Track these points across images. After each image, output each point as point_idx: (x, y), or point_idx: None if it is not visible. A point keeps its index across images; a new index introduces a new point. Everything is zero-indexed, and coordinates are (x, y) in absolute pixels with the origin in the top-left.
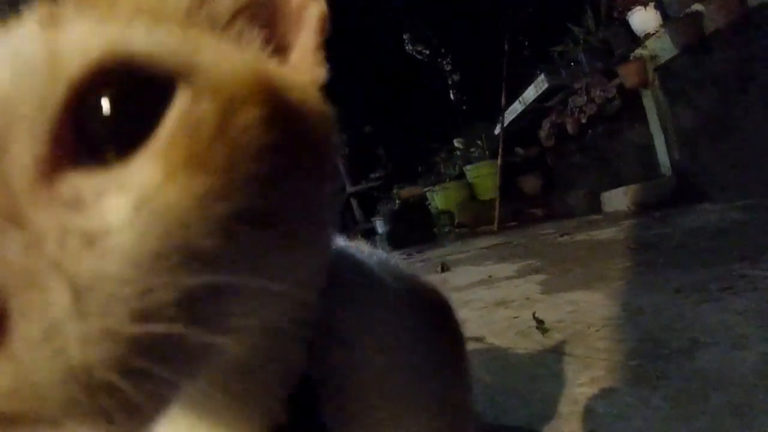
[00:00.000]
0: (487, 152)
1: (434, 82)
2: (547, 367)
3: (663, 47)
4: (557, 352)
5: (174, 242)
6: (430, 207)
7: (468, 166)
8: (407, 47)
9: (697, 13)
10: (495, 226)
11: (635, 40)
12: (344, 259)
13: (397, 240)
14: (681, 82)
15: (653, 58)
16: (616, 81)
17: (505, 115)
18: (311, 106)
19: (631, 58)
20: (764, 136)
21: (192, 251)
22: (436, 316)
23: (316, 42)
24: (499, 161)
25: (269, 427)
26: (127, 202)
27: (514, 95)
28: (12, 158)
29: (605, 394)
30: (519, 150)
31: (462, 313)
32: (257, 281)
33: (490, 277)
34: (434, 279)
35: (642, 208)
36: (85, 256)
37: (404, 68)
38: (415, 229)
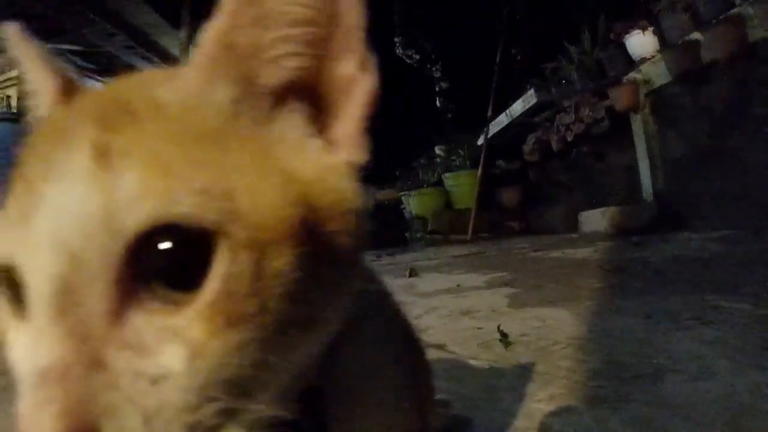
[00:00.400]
0: (468, 162)
1: (421, 87)
2: (506, 380)
3: (657, 73)
4: (518, 366)
5: (216, 378)
6: (404, 211)
7: (447, 174)
8: (398, 50)
9: (696, 42)
10: (469, 236)
11: (630, 63)
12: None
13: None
14: (672, 109)
15: (646, 82)
16: (607, 102)
17: (491, 126)
18: (345, 204)
19: (624, 80)
20: (750, 169)
21: (228, 381)
22: (412, 352)
23: (360, 121)
24: (479, 171)
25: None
26: (182, 353)
27: (501, 107)
28: (87, 309)
29: (563, 411)
30: (501, 162)
31: (426, 320)
32: (282, 374)
33: (458, 286)
34: (401, 283)
35: (620, 231)
36: (151, 392)
37: (392, 71)
38: (387, 231)
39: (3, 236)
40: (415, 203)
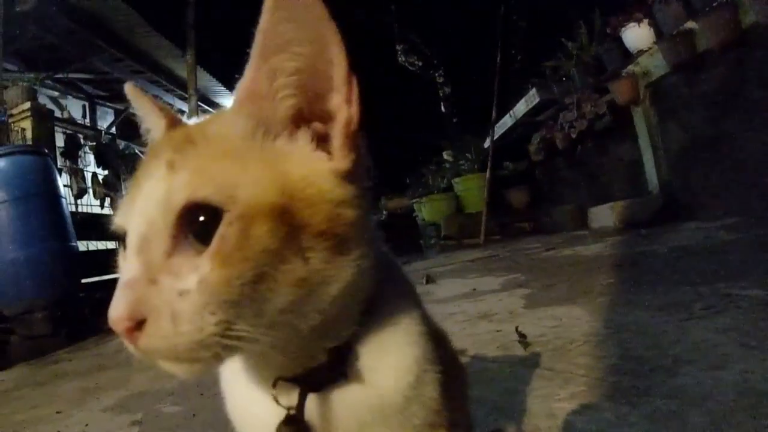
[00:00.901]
0: (476, 165)
1: (425, 93)
2: (527, 381)
3: (655, 64)
4: (538, 366)
5: (215, 297)
6: (417, 219)
7: (456, 179)
8: (400, 58)
9: (690, 31)
10: (481, 240)
11: (628, 56)
12: (396, 290)
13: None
14: (672, 100)
15: (645, 74)
16: (607, 97)
17: (496, 128)
18: (324, 196)
19: (623, 74)
20: (753, 155)
21: (224, 299)
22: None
23: (345, 139)
24: (487, 174)
25: (310, 366)
26: (196, 279)
27: (505, 109)
28: (153, 250)
29: (584, 409)
30: (508, 164)
31: (445, 326)
32: (272, 313)
33: (474, 290)
34: (418, 291)
35: (628, 225)
36: (178, 300)
37: (395, 79)
38: (401, 240)
39: (121, 211)
40: (426, 210)
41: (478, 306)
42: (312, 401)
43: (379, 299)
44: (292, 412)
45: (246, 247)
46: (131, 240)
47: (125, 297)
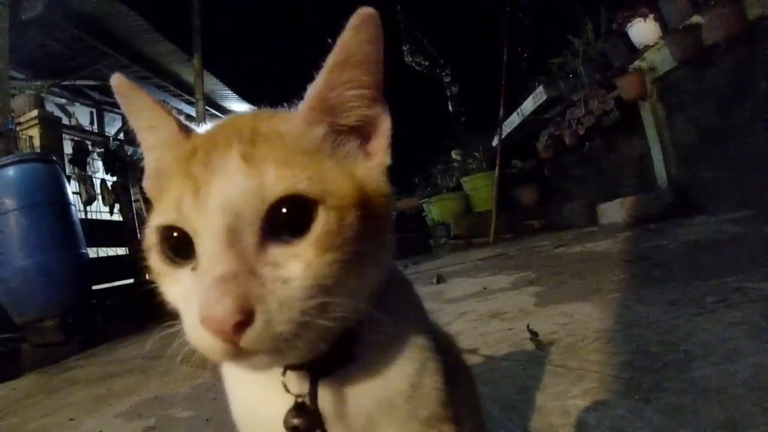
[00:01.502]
0: (484, 164)
1: (433, 93)
2: (539, 379)
3: (662, 59)
4: (550, 364)
5: (317, 282)
6: (426, 218)
7: (465, 178)
8: (406, 58)
9: (696, 26)
10: (491, 238)
11: (634, 52)
12: (401, 290)
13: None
14: (679, 95)
15: (652, 70)
16: (615, 93)
17: (503, 126)
18: (380, 190)
19: (630, 70)
20: (761, 148)
21: (325, 283)
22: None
23: (387, 141)
24: (496, 173)
25: (320, 352)
26: (300, 266)
27: (512, 107)
28: (245, 243)
29: (598, 406)
30: (516, 162)
31: (456, 325)
32: (349, 292)
33: (484, 288)
34: (429, 291)
35: (637, 220)
36: (283, 288)
37: (402, 79)
38: (411, 240)
39: (177, 209)
40: (436, 210)
41: (489, 305)
42: (320, 389)
43: (385, 294)
44: (300, 400)
45: (342, 233)
46: (214, 234)
47: (230, 292)
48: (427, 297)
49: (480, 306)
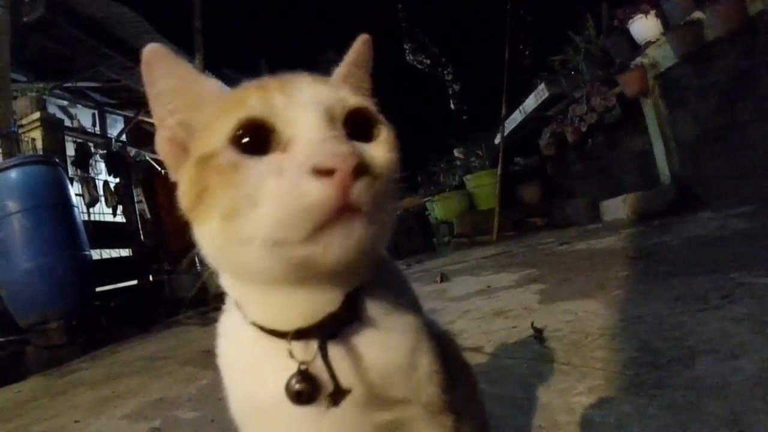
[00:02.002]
0: (487, 162)
1: (434, 92)
2: (544, 376)
3: (663, 55)
4: (555, 361)
5: (392, 174)
6: (429, 217)
7: (468, 176)
8: (408, 57)
9: (698, 21)
10: (494, 236)
11: (636, 48)
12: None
13: (396, 250)
14: (681, 91)
15: (653, 66)
16: (617, 90)
17: (506, 124)
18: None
19: (632, 66)
20: (764, 143)
21: (394, 178)
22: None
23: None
24: (499, 170)
25: (326, 313)
26: (381, 153)
27: (514, 104)
28: (337, 128)
29: (602, 403)
30: (519, 159)
31: (460, 324)
32: (387, 222)
33: (488, 286)
34: (433, 289)
35: (641, 217)
36: (374, 162)
37: (404, 78)
38: (414, 239)
39: (261, 102)
40: (439, 208)
41: (493, 303)
42: (317, 354)
43: (380, 271)
44: (303, 366)
45: (395, 149)
46: (313, 113)
47: (345, 143)
48: (431, 295)
49: (484, 304)
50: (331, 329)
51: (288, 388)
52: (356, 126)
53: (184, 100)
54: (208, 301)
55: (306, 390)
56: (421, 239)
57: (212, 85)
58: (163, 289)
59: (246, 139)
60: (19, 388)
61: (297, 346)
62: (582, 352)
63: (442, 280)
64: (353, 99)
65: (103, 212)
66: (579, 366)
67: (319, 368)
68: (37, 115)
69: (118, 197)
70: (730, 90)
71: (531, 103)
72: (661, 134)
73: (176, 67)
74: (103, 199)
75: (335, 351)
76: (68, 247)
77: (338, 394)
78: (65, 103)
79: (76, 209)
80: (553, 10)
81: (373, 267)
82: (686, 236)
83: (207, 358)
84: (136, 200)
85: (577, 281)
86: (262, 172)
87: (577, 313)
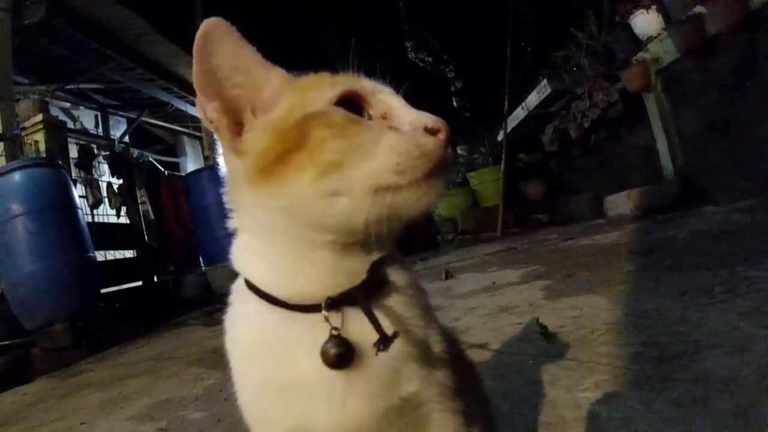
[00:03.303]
0: (490, 158)
1: (437, 89)
2: (550, 372)
3: (665, 50)
4: (561, 357)
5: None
6: (433, 215)
7: (471, 173)
8: (409, 55)
9: (699, 16)
10: (498, 233)
11: (637, 44)
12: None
13: (400, 248)
14: (683, 85)
15: (655, 61)
16: (619, 85)
17: (508, 120)
18: None
19: (634, 61)
20: (763, 136)
21: None
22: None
23: None
24: (502, 167)
25: (356, 282)
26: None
27: (517, 101)
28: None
29: (609, 398)
30: (522, 155)
31: (466, 321)
32: None
33: (493, 283)
34: (438, 287)
35: (645, 212)
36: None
37: (406, 76)
38: (418, 237)
39: (355, 82)
40: (442, 205)
41: (498, 299)
42: (350, 319)
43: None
44: (336, 332)
45: None
46: (399, 99)
47: (445, 125)
48: (436, 293)
49: (489, 301)
50: (361, 295)
51: (324, 354)
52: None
53: (246, 77)
54: (212, 301)
55: (342, 352)
56: (425, 237)
57: (278, 70)
58: (168, 289)
59: (348, 104)
60: (25, 391)
61: (334, 316)
62: (588, 347)
63: (446, 278)
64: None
65: (107, 214)
66: (585, 361)
67: (350, 333)
68: (39, 117)
69: (121, 198)
70: (732, 84)
71: (533, 99)
72: (664, 129)
73: (239, 47)
74: (106, 200)
75: (357, 320)
76: (72, 249)
77: (385, 341)
78: (68, 105)
79: (79, 211)
80: (555, 6)
81: (394, 241)
82: (690, 231)
83: (213, 358)
84: (139, 201)
85: (581, 277)
86: (377, 128)
87: (583, 308)
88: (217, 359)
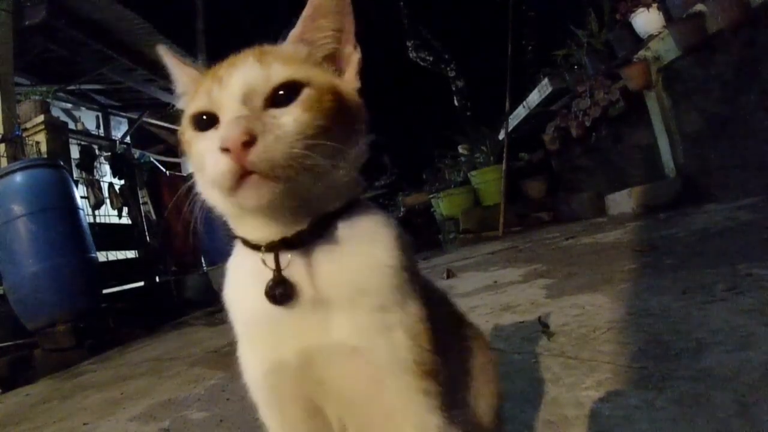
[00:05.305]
0: (491, 157)
1: (438, 88)
2: (553, 371)
3: (666, 48)
4: (563, 355)
5: (302, 130)
6: (435, 214)
7: (473, 172)
8: (411, 54)
9: (700, 14)
10: (500, 232)
11: (638, 42)
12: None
13: None
14: (684, 84)
15: (656, 59)
16: (620, 83)
17: (510, 119)
18: (351, 98)
19: (635, 60)
20: (765, 134)
21: (306, 134)
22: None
23: (356, 70)
24: (503, 166)
25: (297, 230)
26: (291, 117)
27: (518, 100)
28: (254, 102)
29: (611, 396)
30: (524, 154)
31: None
32: (326, 155)
33: (495, 282)
34: (440, 285)
35: (647, 210)
36: (278, 128)
37: (408, 75)
38: (420, 236)
39: (207, 95)
40: (444, 204)
41: (500, 298)
42: (295, 263)
43: (362, 205)
44: (275, 272)
45: (320, 104)
46: (232, 98)
47: (240, 122)
48: None
49: (491, 300)
50: (298, 243)
51: (266, 292)
52: (285, 91)
53: (188, 82)
54: (214, 302)
55: (281, 290)
56: (427, 236)
57: (197, 70)
58: (170, 290)
59: (203, 118)
60: (27, 391)
61: (269, 258)
62: (590, 346)
63: (448, 276)
64: (278, 75)
65: (108, 214)
66: (587, 360)
67: (293, 275)
68: (41, 118)
69: (123, 199)
70: (733, 82)
71: (535, 98)
72: (665, 127)
73: (180, 66)
74: (108, 201)
75: (299, 260)
76: (74, 250)
77: (279, 283)
78: (69, 105)
79: (81, 212)
80: (555, 5)
81: (337, 199)
82: (692, 229)
83: (215, 359)
84: (141, 202)
85: (583, 275)
86: (206, 146)
87: (585, 307)
88: (220, 359)
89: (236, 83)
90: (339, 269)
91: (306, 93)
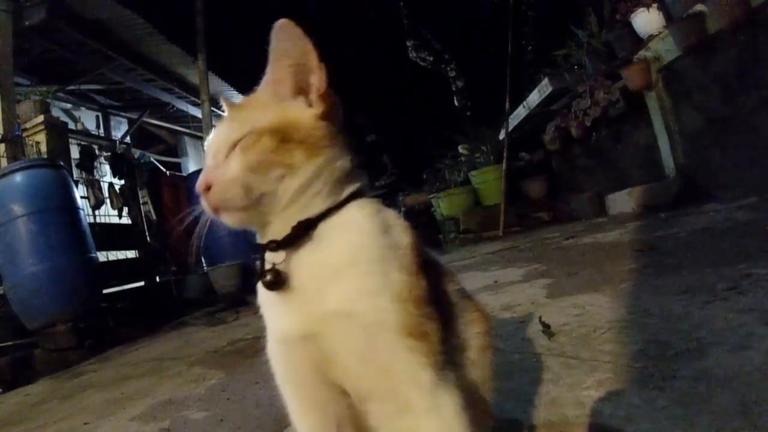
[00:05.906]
0: (492, 157)
1: (438, 88)
2: (553, 371)
3: (666, 49)
4: (563, 355)
5: (244, 170)
6: (435, 214)
7: (473, 172)
8: (410, 54)
9: (700, 14)
10: (500, 232)
11: (638, 42)
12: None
13: None
14: (685, 84)
15: (657, 59)
16: (620, 83)
17: (510, 119)
18: (305, 124)
19: (635, 60)
20: (765, 133)
21: (248, 172)
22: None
23: (317, 95)
24: (504, 166)
25: (287, 233)
26: (233, 162)
27: (518, 100)
28: (219, 156)
29: (612, 396)
30: (524, 154)
31: None
32: (275, 180)
33: (496, 282)
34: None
35: (647, 210)
36: (225, 172)
37: (408, 76)
38: (420, 236)
39: (208, 143)
40: (444, 204)
41: (501, 298)
42: (289, 258)
43: (359, 203)
44: (271, 265)
45: (256, 146)
46: (208, 154)
47: (204, 176)
48: None
49: (491, 299)
50: (288, 244)
51: (262, 279)
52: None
53: None
54: (214, 302)
55: (273, 279)
56: (427, 236)
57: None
58: (170, 290)
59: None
60: (27, 392)
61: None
62: (590, 345)
63: None
64: (236, 132)
65: (108, 214)
66: (588, 360)
67: (285, 266)
68: (41, 118)
69: (123, 199)
70: (733, 82)
71: (535, 98)
72: (665, 127)
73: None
74: (108, 201)
75: (291, 255)
76: (74, 250)
77: (273, 273)
78: (69, 106)
79: (81, 212)
80: (555, 5)
81: (318, 205)
82: (692, 228)
83: (215, 359)
84: (141, 202)
85: (584, 275)
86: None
87: (585, 306)
88: (220, 359)
89: (213, 142)
90: (321, 257)
91: (243, 141)
